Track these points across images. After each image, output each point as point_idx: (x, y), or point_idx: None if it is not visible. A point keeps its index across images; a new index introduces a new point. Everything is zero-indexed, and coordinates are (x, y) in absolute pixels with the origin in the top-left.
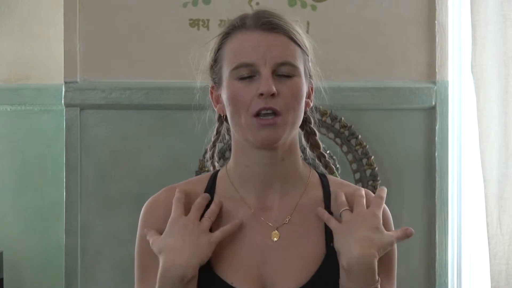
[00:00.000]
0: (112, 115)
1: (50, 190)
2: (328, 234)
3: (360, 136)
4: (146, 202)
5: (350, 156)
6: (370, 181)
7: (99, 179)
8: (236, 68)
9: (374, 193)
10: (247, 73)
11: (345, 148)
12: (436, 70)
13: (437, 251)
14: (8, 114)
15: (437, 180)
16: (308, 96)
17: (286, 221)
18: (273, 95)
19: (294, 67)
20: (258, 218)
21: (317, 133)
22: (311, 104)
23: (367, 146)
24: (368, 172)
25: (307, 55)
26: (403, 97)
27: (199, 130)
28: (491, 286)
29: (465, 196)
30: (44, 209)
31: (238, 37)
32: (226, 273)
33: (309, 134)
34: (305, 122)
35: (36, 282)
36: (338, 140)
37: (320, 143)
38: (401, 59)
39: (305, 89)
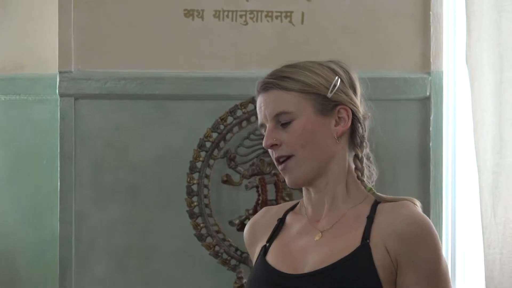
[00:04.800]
0: (107, 105)
1: (44, 180)
2: (366, 232)
3: None
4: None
5: None
6: None
7: (94, 169)
8: (260, 127)
9: None
10: (264, 130)
11: None
12: (431, 60)
13: None
14: (2, 104)
15: (431, 170)
16: (338, 124)
17: (330, 226)
18: (274, 145)
19: (288, 113)
20: (310, 226)
21: (362, 156)
22: (344, 129)
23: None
24: None
25: (317, 92)
26: (397, 88)
27: (194, 120)
28: (485, 275)
29: (459, 186)
30: (38, 199)
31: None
32: (275, 261)
33: (354, 157)
34: (359, 146)
35: (30, 271)
36: None
37: (362, 166)
38: (396, 49)
39: (316, 124)
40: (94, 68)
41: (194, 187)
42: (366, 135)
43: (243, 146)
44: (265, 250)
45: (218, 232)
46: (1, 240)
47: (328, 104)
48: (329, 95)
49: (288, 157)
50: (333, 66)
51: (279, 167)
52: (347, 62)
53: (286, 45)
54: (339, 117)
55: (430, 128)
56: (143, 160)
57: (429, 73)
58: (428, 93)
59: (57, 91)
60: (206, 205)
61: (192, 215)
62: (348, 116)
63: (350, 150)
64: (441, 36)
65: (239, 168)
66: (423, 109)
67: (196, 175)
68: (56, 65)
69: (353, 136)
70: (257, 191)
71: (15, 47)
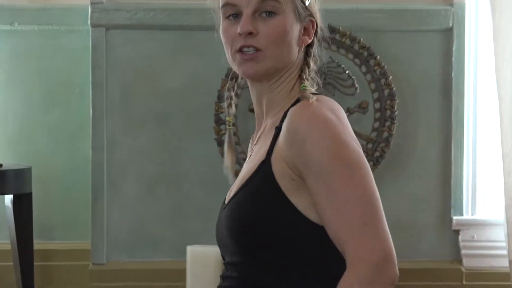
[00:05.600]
0: (137, 35)
1: (77, 108)
2: (272, 145)
3: (378, 57)
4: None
5: (368, 76)
6: (388, 100)
7: (124, 97)
8: (223, 6)
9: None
10: (231, 12)
11: (363, 69)
12: None
13: (452, 168)
14: (36, 33)
15: (453, 99)
16: (305, 34)
17: (257, 140)
18: (251, 34)
19: (277, 5)
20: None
21: (311, 65)
22: (309, 41)
23: (385, 67)
24: (386, 91)
25: None
26: (420, 19)
27: (221, 50)
28: (505, 203)
29: (480, 116)
30: (71, 126)
31: None
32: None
33: (303, 66)
34: (306, 56)
35: (63, 196)
36: (357, 60)
37: (306, 77)
38: None
39: (293, 27)
40: None
41: (222, 116)
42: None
43: None
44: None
45: (245, 159)
46: (36, 166)
47: (304, 12)
48: (307, 4)
49: (257, 50)
50: None
51: (242, 56)
52: None
53: None
54: (305, 28)
55: (452, 59)
56: (172, 89)
57: (451, 4)
58: (450, 24)
59: (88, 22)
60: (234, 133)
61: (220, 143)
62: (313, 29)
63: (302, 59)
64: None
65: None
66: (445, 40)
67: (223, 104)
68: None
69: (308, 49)
70: None
71: None
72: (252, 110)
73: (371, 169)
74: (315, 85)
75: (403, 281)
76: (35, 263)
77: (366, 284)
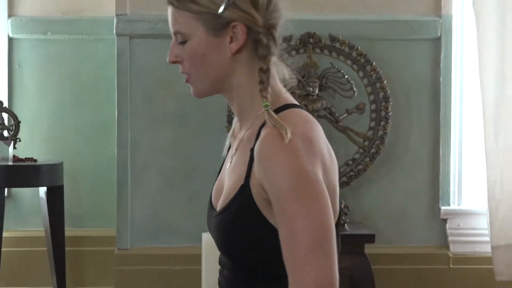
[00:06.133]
0: (158, 44)
1: (103, 109)
2: (249, 168)
3: (374, 63)
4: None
5: (365, 81)
6: (382, 102)
7: (146, 100)
8: None
9: (386, 113)
10: None
11: (361, 74)
12: (442, 5)
13: (440, 163)
14: (66, 42)
15: (441, 102)
16: (233, 41)
17: (235, 150)
18: (177, 62)
19: (182, 33)
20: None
21: (267, 68)
22: (237, 47)
23: (380, 72)
24: (381, 94)
25: (209, 11)
26: (412, 29)
27: None
28: (488, 195)
29: (466, 116)
30: (98, 127)
31: None
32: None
33: (258, 71)
34: (263, 59)
35: (91, 188)
36: (355, 66)
37: (267, 80)
38: None
39: (209, 45)
40: (147, 11)
41: (233, 116)
42: (274, 45)
43: None
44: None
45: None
46: (67, 161)
47: (220, 22)
48: (221, 13)
49: (189, 75)
50: None
51: (184, 80)
52: (368, 6)
53: None
54: (234, 33)
55: (441, 65)
56: (189, 93)
57: (440, 16)
58: (439, 34)
59: (114, 31)
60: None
61: None
62: (242, 32)
63: (254, 64)
64: None
65: None
66: (434, 48)
67: None
68: (113, 8)
69: (257, 50)
70: None
71: None
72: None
73: (367, 164)
74: (285, 88)
75: (397, 265)
76: (66, 248)
77: None
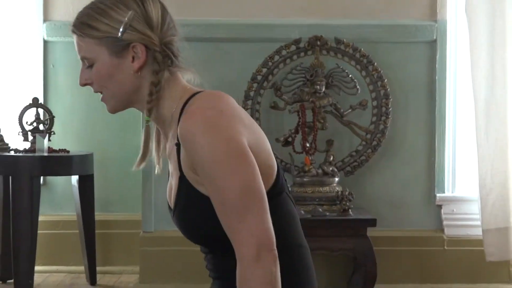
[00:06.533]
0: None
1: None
2: (179, 161)
3: (375, 64)
4: None
5: (367, 79)
6: (383, 99)
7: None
8: None
9: (387, 109)
10: None
11: (363, 73)
12: (437, 10)
13: (436, 155)
14: None
15: (436, 99)
16: (133, 61)
17: (170, 154)
18: (88, 84)
19: (87, 58)
20: None
21: (158, 81)
22: (138, 65)
23: (381, 71)
24: (382, 92)
25: (109, 36)
26: (410, 33)
27: (246, 58)
28: (479, 183)
29: (459, 112)
30: (125, 120)
31: None
32: None
33: (150, 84)
34: (156, 74)
35: (118, 177)
36: (358, 66)
37: (154, 92)
38: (410, 1)
39: (113, 66)
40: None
41: (248, 111)
42: (168, 60)
43: (287, 79)
44: None
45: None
46: (97, 152)
47: (121, 44)
48: (120, 36)
49: (101, 92)
50: (127, 0)
51: (100, 99)
52: (370, 12)
53: None
54: (135, 52)
55: (436, 66)
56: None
57: (435, 21)
58: (434, 37)
59: None
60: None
61: None
62: (141, 51)
63: (153, 78)
64: None
65: (284, 97)
66: (430, 50)
67: (249, 102)
68: None
69: (154, 65)
70: (298, 115)
71: None
72: (272, 107)
73: (369, 155)
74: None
75: (396, 247)
76: (96, 231)
77: (249, 276)
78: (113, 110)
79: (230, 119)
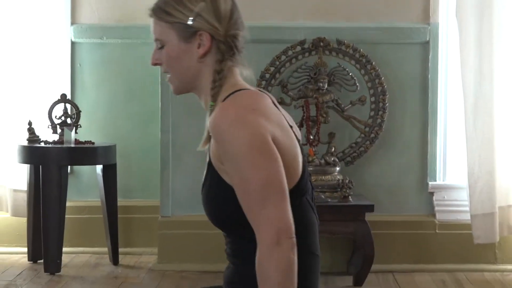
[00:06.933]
0: None
1: (149, 101)
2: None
3: (374, 63)
4: None
5: (366, 77)
6: (381, 95)
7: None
8: None
9: (384, 104)
10: None
11: (362, 72)
12: (430, 14)
13: (428, 146)
14: (119, 45)
15: (429, 95)
16: (198, 47)
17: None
18: (158, 64)
19: (160, 40)
20: None
21: (220, 69)
22: (203, 52)
23: (379, 70)
24: (379, 88)
25: (180, 22)
26: (405, 34)
27: (256, 58)
28: (468, 172)
29: (450, 107)
30: (145, 114)
31: None
32: None
33: (213, 71)
34: (219, 62)
35: (139, 167)
36: (358, 65)
37: (218, 79)
38: (405, 6)
39: (180, 50)
40: None
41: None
42: (231, 52)
43: (292, 77)
44: None
45: None
46: (119, 143)
47: (190, 31)
48: (190, 23)
49: (167, 72)
50: None
51: (166, 80)
52: (369, 15)
53: (325, 1)
54: (201, 40)
55: (429, 64)
56: None
57: (428, 24)
58: (427, 39)
59: None
60: None
61: None
62: (207, 39)
63: (216, 66)
64: None
65: (290, 93)
66: (423, 51)
67: None
68: None
69: (217, 54)
70: (303, 110)
71: (128, 3)
72: (279, 103)
73: (368, 147)
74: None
75: (392, 230)
76: (118, 216)
77: (267, 260)
78: (177, 91)
79: (257, 117)
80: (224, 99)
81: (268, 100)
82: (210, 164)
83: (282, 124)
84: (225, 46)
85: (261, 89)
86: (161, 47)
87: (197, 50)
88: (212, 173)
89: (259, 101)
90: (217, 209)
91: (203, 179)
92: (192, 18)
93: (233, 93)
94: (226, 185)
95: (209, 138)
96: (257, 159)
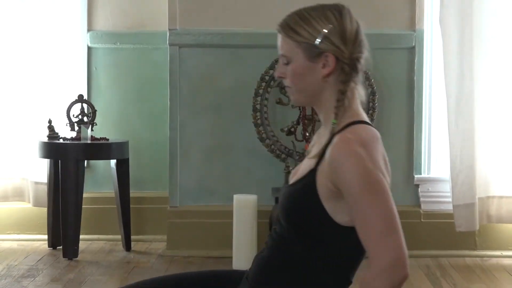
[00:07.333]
0: (200, 52)
1: (159, 100)
2: (319, 161)
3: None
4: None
5: None
6: (371, 95)
7: (192, 93)
8: None
9: (373, 104)
10: None
11: None
12: (416, 22)
13: (414, 142)
14: (132, 50)
15: (415, 95)
16: (323, 67)
17: (313, 146)
18: (281, 77)
19: (286, 56)
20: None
21: (345, 90)
22: (327, 72)
23: (369, 73)
24: (369, 90)
25: (307, 42)
26: (392, 40)
27: (257, 62)
28: (450, 166)
29: (434, 106)
30: (155, 114)
31: None
32: None
33: (338, 92)
34: (343, 83)
35: (150, 160)
36: None
37: (342, 99)
38: (393, 14)
39: (305, 68)
40: (192, 26)
41: (258, 106)
42: (354, 73)
43: None
44: None
45: (273, 136)
46: (131, 140)
47: (316, 51)
48: (317, 44)
49: (289, 87)
50: (329, 14)
51: (286, 90)
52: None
53: None
54: (326, 61)
55: (415, 68)
56: (224, 88)
57: (414, 31)
58: (413, 44)
59: (167, 42)
60: (266, 118)
61: (256, 125)
62: (332, 61)
63: (339, 86)
64: (423, 4)
65: (287, 94)
66: (410, 55)
67: (259, 98)
68: (166, 24)
69: (341, 75)
70: (299, 109)
71: (139, 11)
72: (278, 103)
73: None
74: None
75: None
76: (130, 206)
77: (377, 281)
78: (296, 103)
79: (374, 153)
80: (345, 127)
81: (377, 139)
82: (312, 173)
83: (386, 160)
84: (349, 68)
85: (371, 124)
86: (286, 63)
87: (321, 69)
88: (309, 182)
89: (371, 140)
90: (292, 212)
91: (294, 178)
92: (319, 40)
93: (353, 123)
94: (316, 199)
95: (322, 154)
96: (377, 193)
